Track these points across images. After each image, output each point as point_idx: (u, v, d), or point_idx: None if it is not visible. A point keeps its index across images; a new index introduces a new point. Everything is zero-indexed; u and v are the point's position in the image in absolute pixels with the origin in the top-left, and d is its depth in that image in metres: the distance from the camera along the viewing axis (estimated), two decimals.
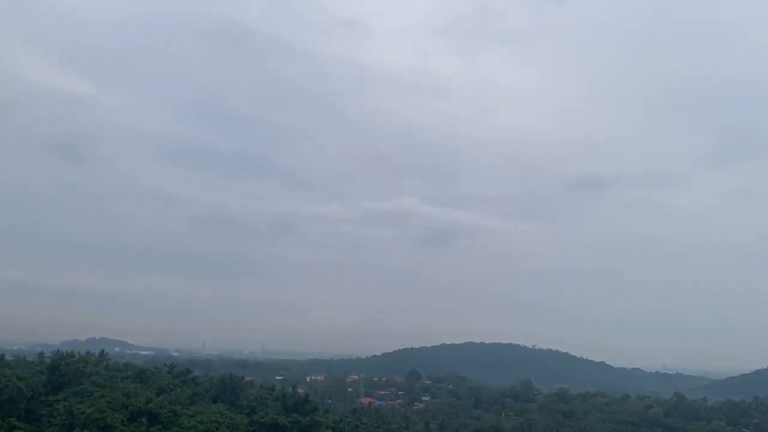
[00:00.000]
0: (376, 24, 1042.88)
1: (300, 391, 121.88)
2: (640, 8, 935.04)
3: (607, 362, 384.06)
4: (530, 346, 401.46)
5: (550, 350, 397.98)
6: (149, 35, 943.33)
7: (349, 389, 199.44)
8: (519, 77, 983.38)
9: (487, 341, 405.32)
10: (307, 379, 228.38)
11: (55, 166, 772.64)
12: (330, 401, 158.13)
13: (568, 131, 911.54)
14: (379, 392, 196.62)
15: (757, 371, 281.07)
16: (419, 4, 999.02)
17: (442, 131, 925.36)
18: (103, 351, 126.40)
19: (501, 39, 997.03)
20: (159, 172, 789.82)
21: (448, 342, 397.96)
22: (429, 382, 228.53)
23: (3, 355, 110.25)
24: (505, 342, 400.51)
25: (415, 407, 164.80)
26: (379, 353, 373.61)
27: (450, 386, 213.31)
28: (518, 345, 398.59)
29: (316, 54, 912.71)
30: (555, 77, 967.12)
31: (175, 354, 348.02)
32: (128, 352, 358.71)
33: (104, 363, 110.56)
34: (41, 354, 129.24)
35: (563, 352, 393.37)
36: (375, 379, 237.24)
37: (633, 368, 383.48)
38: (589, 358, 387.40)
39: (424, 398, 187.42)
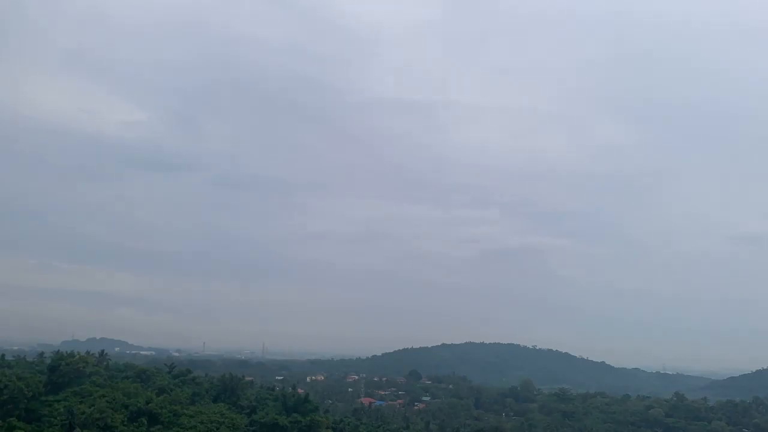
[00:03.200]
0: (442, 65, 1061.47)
1: (300, 391, 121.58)
2: None
3: (607, 362, 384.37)
4: (530, 346, 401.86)
5: (550, 350, 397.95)
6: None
7: (349, 389, 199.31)
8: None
9: (487, 341, 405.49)
10: (307, 379, 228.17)
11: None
12: (330, 401, 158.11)
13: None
14: (379, 392, 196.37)
15: (757, 371, 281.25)
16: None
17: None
18: (103, 351, 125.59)
19: None
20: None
21: (448, 342, 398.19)
22: (429, 382, 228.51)
23: (3, 355, 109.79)
24: (505, 342, 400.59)
25: (415, 407, 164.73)
26: (379, 353, 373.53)
27: (450, 386, 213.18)
28: (518, 345, 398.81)
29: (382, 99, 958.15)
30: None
31: (175, 354, 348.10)
32: (128, 352, 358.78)
33: (104, 363, 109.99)
34: (41, 354, 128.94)
35: (563, 352, 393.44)
36: (375, 379, 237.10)
37: (633, 368, 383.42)
38: (589, 359, 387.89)
39: (424, 398, 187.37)
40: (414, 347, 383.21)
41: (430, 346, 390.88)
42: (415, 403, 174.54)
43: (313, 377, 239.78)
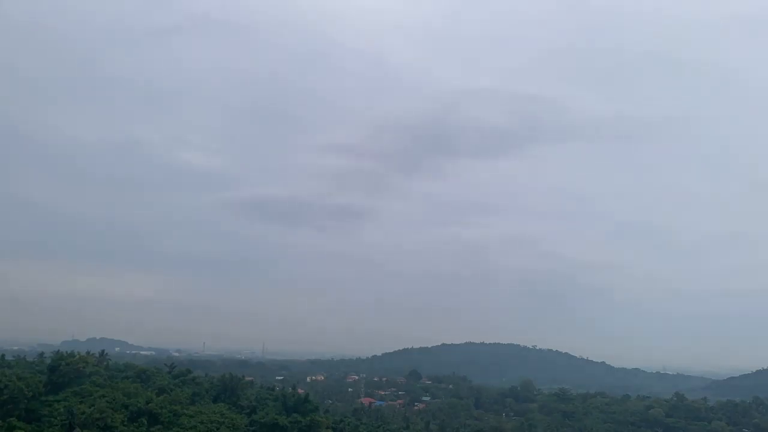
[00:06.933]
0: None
1: (300, 391, 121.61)
2: None
3: (607, 362, 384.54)
4: (530, 346, 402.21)
5: (551, 350, 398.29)
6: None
7: (349, 389, 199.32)
8: None
9: (487, 341, 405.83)
10: (307, 379, 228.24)
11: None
12: (330, 401, 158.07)
13: None
14: (379, 392, 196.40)
15: (757, 371, 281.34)
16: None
17: None
18: (103, 351, 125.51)
19: None
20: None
21: (448, 342, 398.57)
22: (429, 382, 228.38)
23: (3, 355, 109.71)
24: (505, 342, 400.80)
25: (415, 407, 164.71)
26: (379, 353, 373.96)
27: (450, 386, 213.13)
28: (518, 345, 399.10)
29: None
30: None
31: (175, 354, 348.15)
32: (128, 352, 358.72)
33: (104, 363, 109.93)
34: (41, 354, 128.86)
35: (563, 352, 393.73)
36: (375, 379, 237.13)
37: (633, 368, 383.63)
38: (589, 359, 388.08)
39: (424, 398, 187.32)
40: (414, 347, 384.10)
41: (430, 346, 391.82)
42: (415, 403, 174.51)
43: (313, 377, 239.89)
